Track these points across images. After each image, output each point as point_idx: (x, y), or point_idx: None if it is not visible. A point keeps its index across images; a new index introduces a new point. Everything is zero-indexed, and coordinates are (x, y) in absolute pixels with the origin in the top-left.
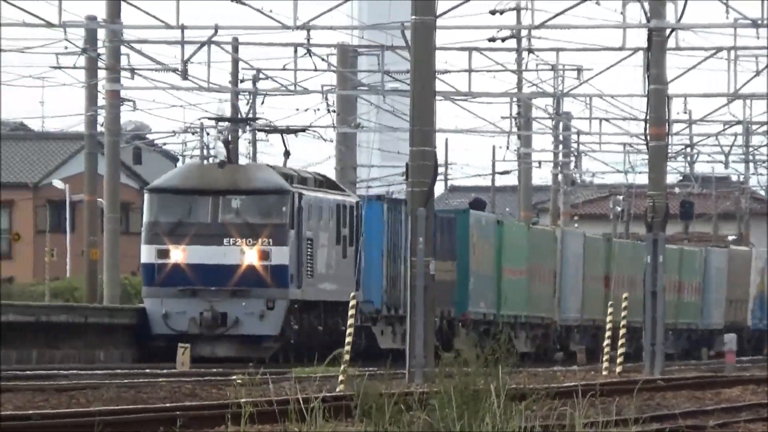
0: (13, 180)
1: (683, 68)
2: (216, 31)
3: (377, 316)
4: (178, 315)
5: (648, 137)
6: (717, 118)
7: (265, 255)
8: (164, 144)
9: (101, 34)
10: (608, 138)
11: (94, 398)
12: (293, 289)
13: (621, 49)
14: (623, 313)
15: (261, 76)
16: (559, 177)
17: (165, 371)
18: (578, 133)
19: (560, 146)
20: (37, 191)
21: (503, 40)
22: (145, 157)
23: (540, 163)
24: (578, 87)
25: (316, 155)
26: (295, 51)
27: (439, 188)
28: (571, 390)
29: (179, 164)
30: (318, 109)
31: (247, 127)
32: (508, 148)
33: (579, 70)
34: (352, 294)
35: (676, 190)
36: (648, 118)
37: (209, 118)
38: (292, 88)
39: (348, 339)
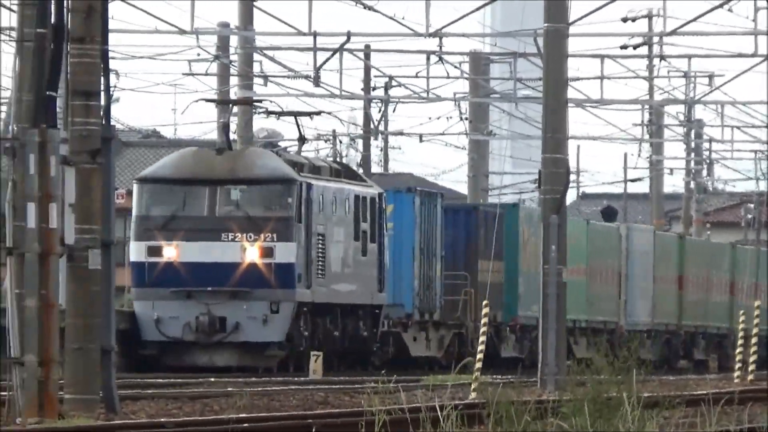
0: None
1: None
2: (348, 38)
3: (408, 322)
4: (171, 320)
5: None
6: None
7: (268, 252)
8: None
9: (234, 40)
10: (740, 146)
11: (227, 406)
12: (301, 290)
13: (753, 55)
14: (755, 321)
15: (393, 83)
16: (691, 185)
17: (297, 379)
18: (710, 140)
19: (692, 154)
20: None
21: (635, 47)
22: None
23: (672, 170)
24: (710, 94)
25: (448, 163)
26: (428, 58)
27: (570, 195)
28: (701, 398)
29: None
30: (450, 117)
31: (380, 135)
32: (639, 155)
33: (711, 76)
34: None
35: None
36: None
37: (207, 100)
38: (424, 95)
39: (480, 347)
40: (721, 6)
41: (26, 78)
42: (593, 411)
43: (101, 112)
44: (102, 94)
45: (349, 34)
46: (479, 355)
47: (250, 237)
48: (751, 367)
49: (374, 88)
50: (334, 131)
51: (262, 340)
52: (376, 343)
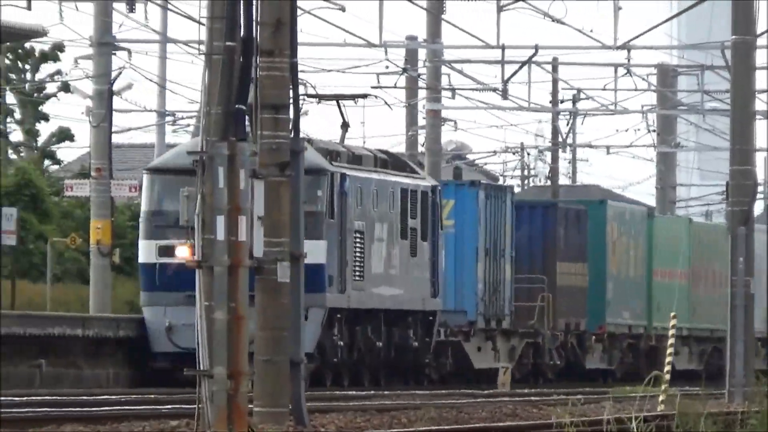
0: None
1: None
2: (536, 51)
3: (470, 330)
4: (185, 328)
5: None
6: None
7: None
8: (485, 164)
9: (422, 53)
10: None
11: (416, 418)
12: (333, 295)
13: None
14: None
15: (581, 95)
16: None
17: (485, 392)
18: None
19: None
20: None
21: None
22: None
23: None
24: None
25: (635, 175)
26: (615, 71)
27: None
28: None
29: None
30: (638, 129)
31: (567, 147)
32: None
33: None
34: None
35: None
36: None
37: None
38: (612, 107)
39: (668, 359)
40: None
41: (215, 91)
42: None
43: (290, 125)
44: (291, 107)
45: (537, 47)
46: (667, 367)
47: None
48: None
49: (562, 101)
50: (522, 143)
51: None
52: (429, 354)
